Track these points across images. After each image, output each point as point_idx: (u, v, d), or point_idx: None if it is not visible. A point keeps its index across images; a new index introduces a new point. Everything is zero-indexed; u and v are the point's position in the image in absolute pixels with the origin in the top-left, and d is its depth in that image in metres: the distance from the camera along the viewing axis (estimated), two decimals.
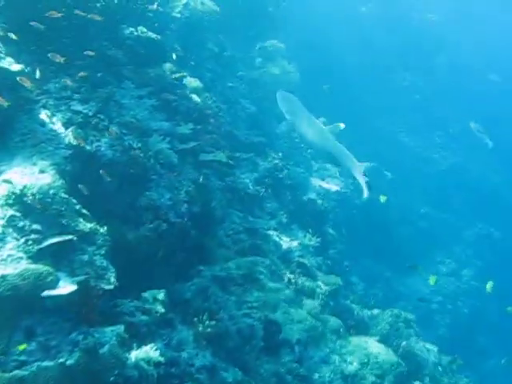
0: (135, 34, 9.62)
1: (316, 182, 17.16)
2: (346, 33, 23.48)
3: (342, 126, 11.27)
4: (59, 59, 6.98)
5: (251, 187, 11.32)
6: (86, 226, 6.30)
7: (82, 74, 7.24)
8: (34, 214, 5.94)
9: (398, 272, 19.01)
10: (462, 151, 24.21)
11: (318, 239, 11.73)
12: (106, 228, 6.47)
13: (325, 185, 17.19)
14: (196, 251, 8.38)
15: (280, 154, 13.22)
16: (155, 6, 8.60)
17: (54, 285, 5.58)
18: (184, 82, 10.43)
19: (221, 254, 9.25)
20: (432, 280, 12.06)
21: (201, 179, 8.13)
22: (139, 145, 7.21)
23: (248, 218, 10.77)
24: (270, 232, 11.03)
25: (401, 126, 24.73)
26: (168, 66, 9.71)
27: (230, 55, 16.24)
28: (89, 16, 7.49)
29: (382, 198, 16.21)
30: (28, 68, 7.18)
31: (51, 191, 6.15)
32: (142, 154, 7.16)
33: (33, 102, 6.97)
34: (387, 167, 21.34)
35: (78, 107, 7.01)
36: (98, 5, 8.53)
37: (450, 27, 26.92)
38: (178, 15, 11.29)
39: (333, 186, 17.37)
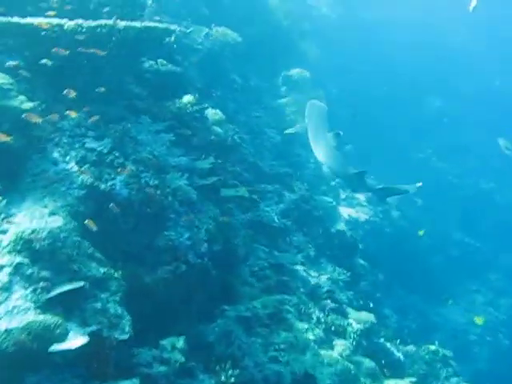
0: (155, 67, 9.33)
1: (344, 211, 16.61)
2: (373, 60, 23.09)
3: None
4: (72, 95, 6.68)
5: (277, 220, 10.81)
6: (99, 270, 5.87)
7: (94, 118, 6.91)
8: (43, 260, 5.53)
9: (432, 302, 18.19)
10: (494, 175, 23.39)
11: (348, 273, 11.12)
12: (120, 272, 6.04)
13: (354, 214, 16.62)
14: (219, 291, 7.89)
15: (306, 185, 12.73)
16: (172, 39, 8.28)
17: (63, 337, 5.13)
18: (205, 114, 10.06)
19: (246, 293, 8.72)
20: (479, 320, 11.25)
21: (221, 219, 7.67)
22: (156, 182, 6.80)
23: (274, 252, 10.25)
24: (297, 267, 10.47)
25: (431, 150, 24.07)
26: (188, 98, 9.34)
27: (254, 85, 15.97)
28: (91, 51, 7.16)
29: (420, 232, 15.70)
30: (43, 105, 6.89)
31: (62, 234, 5.76)
32: (159, 192, 6.74)
33: (46, 140, 6.64)
34: (417, 193, 20.64)
35: (93, 144, 6.66)
36: (114, 38, 8.25)
37: (478, 51, 26.36)
38: (200, 46, 11.01)
39: (362, 215, 16.78)
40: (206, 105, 10.00)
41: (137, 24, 7.89)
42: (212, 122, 10.33)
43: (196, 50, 11.11)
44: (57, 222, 5.85)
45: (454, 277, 19.11)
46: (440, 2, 27.10)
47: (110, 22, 7.71)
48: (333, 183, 17.54)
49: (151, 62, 9.43)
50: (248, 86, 14.48)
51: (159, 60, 9.60)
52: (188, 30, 10.79)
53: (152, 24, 7.47)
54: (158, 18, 10.08)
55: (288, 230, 11.03)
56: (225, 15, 13.72)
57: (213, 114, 10.50)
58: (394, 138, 22.55)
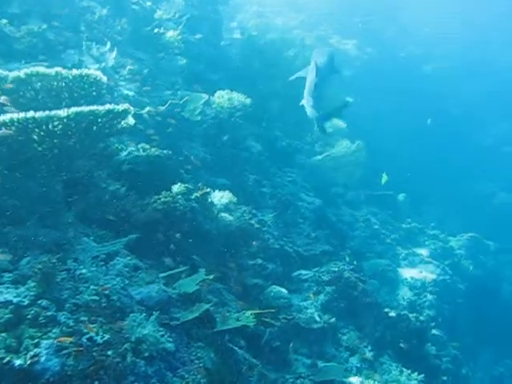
0: (134, 153, 7.07)
1: (407, 272, 13.64)
2: (416, 95, 20.31)
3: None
4: None
5: (317, 318, 8.07)
6: None
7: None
8: None
9: None
10: None
11: (421, 375, 8.14)
12: None
13: (418, 275, 13.59)
14: None
15: (355, 263, 9.96)
16: (131, 121, 6.00)
17: None
18: (209, 199, 7.65)
19: None
20: None
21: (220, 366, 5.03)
22: (106, 337, 4.37)
23: (317, 363, 7.50)
24: (352, 379, 7.63)
25: (496, 183, 20.74)
26: (179, 187, 6.98)
27: (280, 146, 13.53)
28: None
29: None
30: None
31: None
32: (111, 352, 4.29)
33: None
34: (488, 235, 17.32)
35: (7, 295, 4.33)
36: (84, 125, 6.03)
37: None
38: (199, 117, 8.70)
39: (428, 275, 13.70)
40: (209, 189, 7.57)
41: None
42: (219, 209, 7.90)
43: (195, 122, 8.79)
44: None
45: None
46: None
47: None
48: (388, 240, 14.66)
49: (130, 149, 7.18)
50: (272, 149, 12.02)
51: (140, 144, 7.34)
52: (181, 101, 8.52)
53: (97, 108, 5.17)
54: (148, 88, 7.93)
55: (333, 328, 8.26)
56: (235, 74, 11.51)
57: (219, 197, 8.07)
58: (446, 173, 19.43)
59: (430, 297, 12.90)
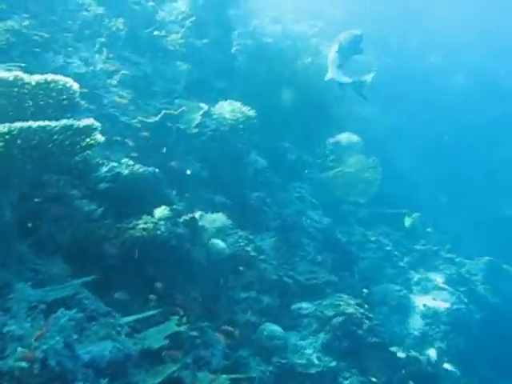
0: (116, 170, 6.12)
1: (419, 299, 12.53)
2: (435, 108, 19.12)
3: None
4: None
5: (316, 361, 7.03)
6: None
7: None
8: None
9: None
10: None
11: None
12: None
13: (431, 302, 12.47)
14: None
15: (364, 291, 8.91)
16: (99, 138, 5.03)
17: None
18: (200, 223, 6.67)
19: None
20: None
21: None
22: None
23: None
24: None
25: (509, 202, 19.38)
26: (163, 211, 6.00)
27: (288, 160, 12.54)
28: None
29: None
30: None
31: None
32: None
33: None
34: (507, 259, 16.03)
35: None
36: (35, 142, 5.10)
37: None
38: (196, 130, 7.72)
39: (441, 304, 12.56)
40: (199, 213, 6.59)
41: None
42: (212, 234, 6.92)
43: (192, 135, 7.80)
44: None
45: None
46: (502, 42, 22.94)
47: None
48: (401, 263, 13.53)
49: (112, 164, 6.24)
50: (279, 163, 11.02)
51: (124, 160, 6.39)
52: (176, 112, 7.55)
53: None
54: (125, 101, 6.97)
55: (335, 371, 7.20)
56: (243, 83, 10.52)
57: (212, 220, 7.08)
58: (463, 191, 18.17)
59: (443, 327, 11.80)
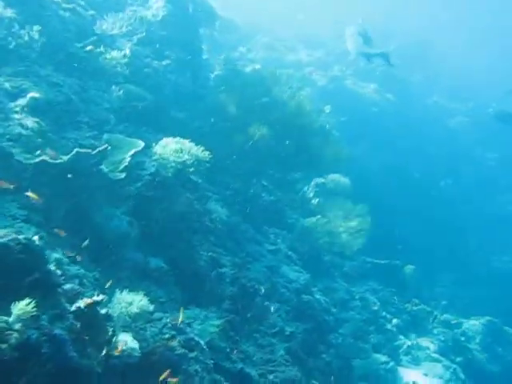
0: None
1: (408, 374, 10.29)
2: (432, 152, 17.03)
3: None
4: None
5: None
6: None
7: None
8: None
9: None
10: None
11: None
12: None
13: (422, 379, 10.20)
14: None
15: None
16: None
17: None
18: (104, 311, 4.49)
19: None
20: None
21: None
22: None
23: None
24: None
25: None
26: (24, 308, 3.81)
27: (271, 200, 10.43)
28: None
29: None
30: None
31: None
32: None
33: None
34: (507, 319, 13.68)
35: None
36: None
37: None
38: (122, 175, 5.56)
39: (434, 381, 10.29)
40: (102, 297, 4.40)
41: None
42: (122, 325, 4.73)
43: (119, 181, 5.64)
44: None
45: None
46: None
47: None
48: (388, 326, 11.23)
49: None
50: (253, 207, 8.90)
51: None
52: (96, 151, 5.39)
53: None
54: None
55: None
56: (208, 115, 8.43)
57: (127, 304, 4.89)
58: (459, 243, 15.90)
59: None
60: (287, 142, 8.28)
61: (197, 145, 6.80)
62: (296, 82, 9.36)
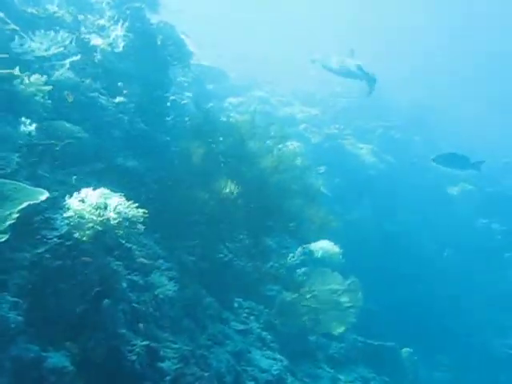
0: None
1: None
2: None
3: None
4: None
5: None
6: None
7: None
8: None
9: None
10: None
11: None
12: None
13: None
14: None
15: None
16: None
17: None
18: None
19: None
20: None
21: None
22: None
23: None
24: None
25: None
26: None
27: (244, 268, 8.55)
28: None
29: None
30: None
31: None
32: None
33: None
34: None
35: None
36: None
37: None
38: (4, 237, 3.77)
39: None
40: None
41: None
42: None
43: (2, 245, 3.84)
44: None
45: None
46: None
47: None
48: None
49: None
50: (219, 275, 7.04)
51: None
52: None
53: None
54: None
55: None
56: (166, 166, 6.75)
57: None
58: (460, 326, 13.77)
59: None
60: (258, 202, 6.51)
61: (147, 202, 5.15)
62: (281, 133, 7.67)
